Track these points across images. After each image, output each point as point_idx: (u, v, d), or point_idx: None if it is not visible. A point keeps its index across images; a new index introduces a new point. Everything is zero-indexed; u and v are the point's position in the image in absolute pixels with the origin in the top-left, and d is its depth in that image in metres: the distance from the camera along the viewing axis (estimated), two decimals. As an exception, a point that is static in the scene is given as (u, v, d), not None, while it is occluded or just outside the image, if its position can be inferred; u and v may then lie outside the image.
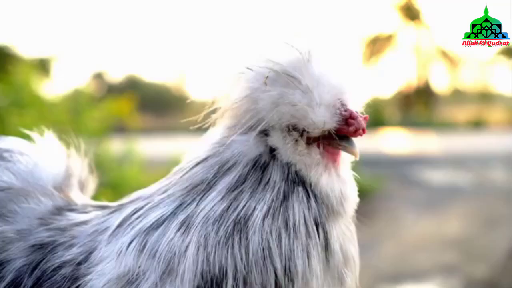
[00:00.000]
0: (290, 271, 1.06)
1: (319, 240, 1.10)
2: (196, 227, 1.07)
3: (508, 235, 6.47)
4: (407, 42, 33.65)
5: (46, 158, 1.28)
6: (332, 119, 1.11)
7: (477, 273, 5.16)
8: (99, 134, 5.75)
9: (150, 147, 7.81)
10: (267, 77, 1.12)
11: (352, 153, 1.14)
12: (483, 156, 12.90)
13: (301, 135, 1.13)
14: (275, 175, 1.13)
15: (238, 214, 1.08)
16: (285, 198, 1.11)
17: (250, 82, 1.14)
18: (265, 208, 1.08)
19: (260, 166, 1.13)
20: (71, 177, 1.31)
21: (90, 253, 1.10)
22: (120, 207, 1.19)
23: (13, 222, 1.18)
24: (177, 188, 1.15)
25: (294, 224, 1.09)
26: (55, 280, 1.09)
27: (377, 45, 31.93)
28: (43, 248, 1.14)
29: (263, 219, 1.07)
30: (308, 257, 1.08)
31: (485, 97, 32.53)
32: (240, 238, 1.06)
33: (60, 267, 1.10)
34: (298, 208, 1.10)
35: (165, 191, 1.16)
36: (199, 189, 1.12)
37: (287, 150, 1.14)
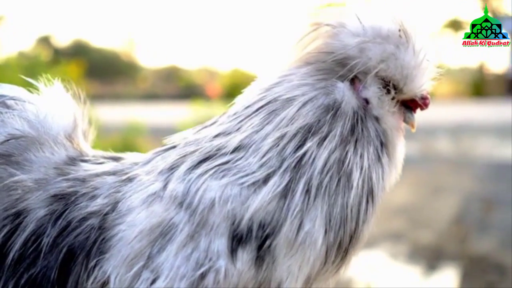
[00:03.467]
0: (361, 232, 1.15)
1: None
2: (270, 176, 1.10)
3: (452, 203, 6.67)
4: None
5: (55, 107, 1.27)
6: (426, 86, 1.22)
7: (423, 239, 5.31)
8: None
9: (98, 114, 7.67)
10: (399, 34, 1.17)
11: (412, 125, 1.25)
12: (430, 127, 13.20)
13: (392, 94, 1.21)
14: (371, 130, 1.19)
15: (346, 166, 1.13)
16: (379, 158, 1.18)
17: (358, 34, 1.18)
18: (365, 165, 1.15)
19: (361, 118, 1.18)
20: (77, 127, 1.30)
21: (116, 203, 1.11)
22: (146, 159, 1.19)
23: (30, 171, 1.18)
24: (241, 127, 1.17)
25: (376, 187, 1.16)
26: (83, 231, 1.10)
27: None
28: (65, 199, 1.14)
29: (362, 180, 1.14)
30: (369, 220, 1.17)
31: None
32: (344, 192, 1.12)
33: (86, 218, 1.11)
34: (380, 170, 1.17)
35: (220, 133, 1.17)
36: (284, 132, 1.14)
37: (379, 105, 1.20)
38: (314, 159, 1.11)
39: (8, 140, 1.19)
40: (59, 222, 1.11)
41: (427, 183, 7.87)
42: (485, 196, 6.96)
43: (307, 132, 1.13)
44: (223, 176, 1.09)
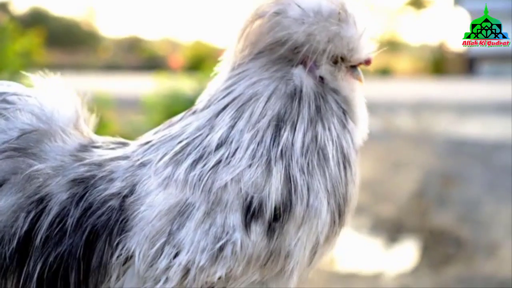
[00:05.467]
0: (350, 193, 1.25)
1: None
2: (275, 158, 1.19)
3: (412, 177, 6.83)
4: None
5: (56, 100, 1.31)
6: (369, 51, 1.30)
7: (384, 213, 5.45)
8: (20, 69, 5.44)
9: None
10: (339, 13, 1.24)
11: (360, 79, 1.32)
12: (391, 103, 13.41)
13: (341, 66, 1.29)
14: (333, 103, 1.27)
15: (320, 142, 1.22)
16: (344, 126, 1.27)
17: (302, 19, 1.24)
18: (334, 136, 1.24)
19: (321, 96, 1.26)
20: (80, 117, 1.34)
21: (134, 186, 1.19)
22: (157, 143, 1.25)
23: (47, 159, 1.24)
24: (229, 120, 1.23)
25: (348, 152, 1.26)
26: (104, 212, 1.17)
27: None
28: (84, 182, 1.21)
29: (335, 150, 1.23)
30: (353, 181, 1.27)
31: (393, 46, 33.51)
32: (325, 165, 1.22)
33: (106, 200, 1.18)
34: (348, 136, 1.27)
35: (213, 124, 1.23)
36: (263, 121, 1.22)
37: (333, 78, 1.28)
38: (292, 144, 1.21)
39: (21, 135, 1.24)
40: (81, 204, 1.18)
41: (388, 158, 8.02)
42: (444, 172, 7.14)
43: (279, 121, 1.22)
44: (226, 169, 1.18)
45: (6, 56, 5.28)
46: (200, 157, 1.19)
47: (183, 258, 1.13)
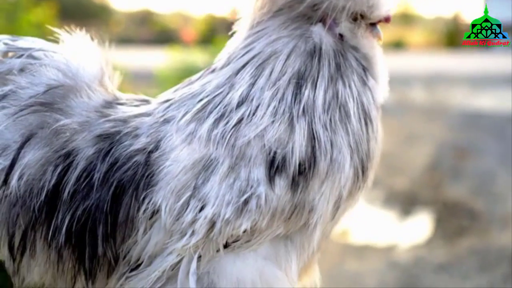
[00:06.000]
0: (372, 149, 1.28)
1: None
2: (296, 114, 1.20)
3: (426, 150, 6.82)
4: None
5: (83, 56, 1.32)
6: (389, 8, 1.29)
7: (398, 186, 5.45)
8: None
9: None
10: None
11: (379, 37, 1.32)
12: (404, 76, 13.29)
13: (361, 23, 1.29)
14: (352, 60, 1.27)
15: (341, 100, 1.24)
16: (364, 83, 1.27)
17: None
18: (355, 93, 1.25)
19: (341, 53, 1.26)
20: (105, 74, 1.35)
21: (158, 142, 1.20)
22: (178, 101, 1.27)
23: (73, 115, 1.25)
24: (250, 78, 1.24)
25: (369, 108, 1.27)
26: (130, 167, 1.19)
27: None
28: (110, 138, 1.23)
29: (356, 107, 1.25)
30: (375, 138, 1.30)
31: (406, 19, 33.12)
32: (347, 121, 1.23)
33: (132, 155, 1.20)
34: (369, 93, 1.28)
35: (234, 82, 1.24)
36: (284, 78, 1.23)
37: (353, 35, 1.28)
38: (314, 101, 1.21)
39: (48, 90, 1.25)
40: (107, 159, 1.20)
41: (402, 131, 7.99)
42: (458, 144, 7.12)
43: (300, 79, 1.23)
44: (248, 126, 1.20)
45: (21, 26, 5.28)
46: (222, 115, 1.20)
47: (208, 211, 1.15)
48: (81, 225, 1.19)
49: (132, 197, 1.19)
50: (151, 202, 1.17)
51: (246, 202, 1.15)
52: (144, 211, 1.18)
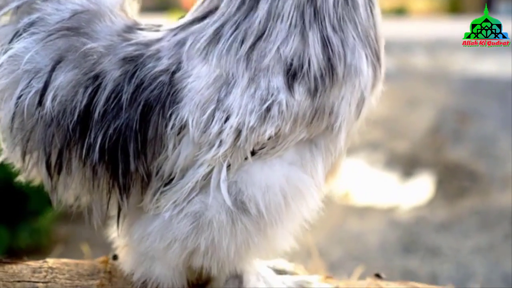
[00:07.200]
0: (380, 35, 1.29)
1: None
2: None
3: (428, 114, 6.84)
4: None
5: None
6: None
7: (399, 148, 5.50)
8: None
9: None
10: None
11: None
12: (406, 42, 13.22)
13: None
14: None
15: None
16: None
17: None
18: None
19: None
20: (125, 0, 1.38)
21: (180, 63, 1.24)
22: (195, 22, 1.29)
23: (98, 39, 1.29)
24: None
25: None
26: (156, 87, 1.24)
27: None
28: (134, 61, 1.26)
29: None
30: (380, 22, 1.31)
31: (409, -15, 32.72)
32: (355, 12, 1.25)
33: (156, 76, 1.24)
34: None
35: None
36: None
37: None
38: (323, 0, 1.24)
39: (73, 16, 1.30)
40: (133, 80, 1.25)
41: (403, 96, 7.99)
42: (460, 109, 7.14)
43: None
44: (265, 43, 1.22)
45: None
46: (238, 34, 1.23)
47: (233, 121, 1.19)
48: (113, 143, 1.24)
49: (160, 115, 1.23)
50: (178, 118, 1.22)
51: (268, 109, 1.20)
52: (172, 127, 1.22)
